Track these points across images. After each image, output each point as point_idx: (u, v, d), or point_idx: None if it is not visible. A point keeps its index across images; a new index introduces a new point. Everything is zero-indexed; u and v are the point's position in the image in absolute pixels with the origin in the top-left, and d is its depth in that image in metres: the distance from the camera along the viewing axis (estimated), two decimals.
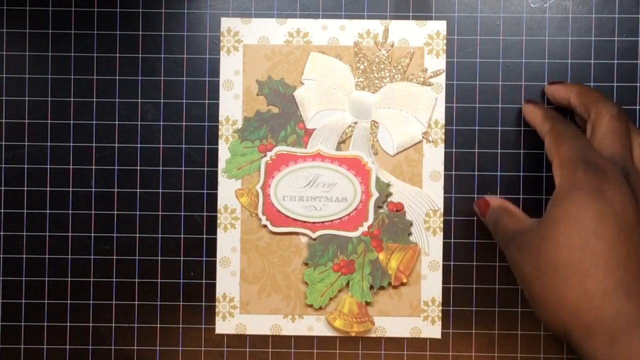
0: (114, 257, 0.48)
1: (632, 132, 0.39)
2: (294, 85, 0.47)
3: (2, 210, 0.48)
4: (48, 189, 0.48)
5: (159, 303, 0.48)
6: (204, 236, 0.47)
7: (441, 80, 0.47)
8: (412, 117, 0.47)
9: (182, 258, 0.48)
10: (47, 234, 0.48)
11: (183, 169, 0.48)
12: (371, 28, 0.47)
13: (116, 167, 0.48)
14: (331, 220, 0.47)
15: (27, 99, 0.48)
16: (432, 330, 0.47)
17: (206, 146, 0.48)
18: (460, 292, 0.47)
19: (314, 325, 0.47)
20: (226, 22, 0.48)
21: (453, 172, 0.47)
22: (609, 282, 0.32)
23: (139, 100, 0.48)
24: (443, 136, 0.47)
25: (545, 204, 0.47)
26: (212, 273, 0.47)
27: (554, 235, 0.34)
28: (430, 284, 0.47)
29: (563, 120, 0.41)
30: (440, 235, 0.47)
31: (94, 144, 0.48)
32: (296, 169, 0.47)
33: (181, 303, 0.48)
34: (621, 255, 0.32)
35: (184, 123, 0.48)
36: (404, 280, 0.47)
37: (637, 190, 0.35)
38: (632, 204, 0.34)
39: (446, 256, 0.47)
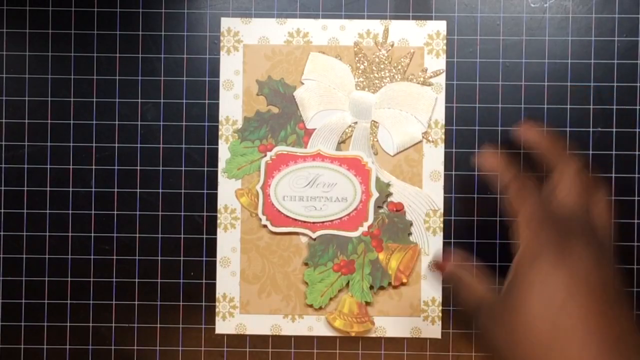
0: (114, 257, 0.48)
1: (594, 188, 0.39)
2: (294, 85, 0.47)
3: (2, 210, 0.48)
4: (48, 189, 0.48)
5: (159, 303, 0.48)
6: (204, 236, 0.47)
7: (441, 80, 0.47)
8: (412, 117, 0.47)
9: (182, 258, 0.48)
10: (47, 234, 0.48)
11: (183, 169, 0.48)
12: (371, 28, 0.47)
13: (116, 167, 0.48)
14: (331, 220, 0.47)
15: (27, 99, 0.48)
16: (432, 330, 0.47)
17: (206, 146, 0.48)
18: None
19: (314, 325, 0.47)
20: (226, 22, 0.48)
21: (453, 172, 0.47)
22: (586, 357, 0.32)
23: (139, 100, 0.48)
24: (443, 136, 0.47)
25: None
26: (212, 273, 0.47)
27: (524, 310, 0.33)
28: (430, 284, 0.47)
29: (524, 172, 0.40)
30: (440, 235, 0.47)
31: (94, 144, 0.48)
32: (296, 169, 0.47)
33: (181, 303, 0.48)
34: (594, 327, 0.32)
35: (184, 123, 0.48)
36: (404, 280, 0.47)
37: (598, 248, 0.34)
38: (596, 266, 0.33)
39: (446, 256, 0.47)
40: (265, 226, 0.47)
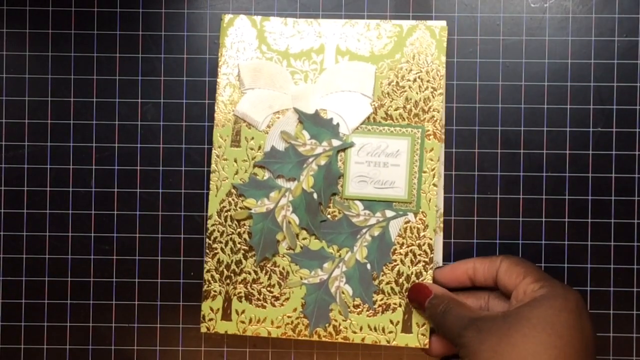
0: (114, 257, 0.48)
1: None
2: None
3: (2, 210, 0.48)
4: (48, 189, 0.48)
5: (159, 303, 0.48)
6: (204, 236, 0.47)
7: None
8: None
9: (182, 258, 0.48)
10: (47, 234, 0.48)
11: (183, 169, 0.48)
12: None
13: (116, 167, 0.48)
14: None
15: (27, 99, 0.48)
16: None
17: (206, 146, 0.48)
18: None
19: None
20: None
21: (453, 172, 0.47)
22: None
23: (139, 100, 0.48)
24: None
25: (546, 203, 0.47)
26: None
27: (525, 330, 0.36)
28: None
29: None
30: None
31: (94, 144, 0.48)
32: None
33: (181, 303, 0.48)
34: None
35: (184, 123, 0.48)
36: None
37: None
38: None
39: (446, 256, 0.47)
40: None
